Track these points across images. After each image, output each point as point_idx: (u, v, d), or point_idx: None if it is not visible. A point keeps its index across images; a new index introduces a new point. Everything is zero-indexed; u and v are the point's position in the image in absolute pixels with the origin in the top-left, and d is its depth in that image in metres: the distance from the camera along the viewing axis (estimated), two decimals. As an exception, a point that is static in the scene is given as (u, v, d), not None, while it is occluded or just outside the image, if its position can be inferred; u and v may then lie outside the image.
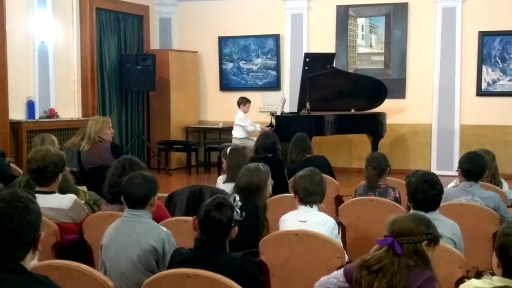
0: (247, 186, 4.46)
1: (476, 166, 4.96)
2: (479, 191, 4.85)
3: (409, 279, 2.73)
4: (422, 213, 3.76)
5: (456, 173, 5.29)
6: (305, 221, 4.05)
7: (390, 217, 2.89)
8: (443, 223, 3.77)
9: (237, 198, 3.36)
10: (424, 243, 2.82)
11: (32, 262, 3.20)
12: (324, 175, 4.44)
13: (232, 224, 3.24)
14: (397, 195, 5.15)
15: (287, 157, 7.14)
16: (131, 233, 3.61)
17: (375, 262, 2.75)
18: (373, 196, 5.11)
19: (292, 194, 5.43)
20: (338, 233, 4.38)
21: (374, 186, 5.23)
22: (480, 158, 5.07)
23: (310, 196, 4.15)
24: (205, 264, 3.03)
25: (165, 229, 3.72)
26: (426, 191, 3.77)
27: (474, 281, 2.59)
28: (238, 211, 3.26)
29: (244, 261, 3.20)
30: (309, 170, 4.30)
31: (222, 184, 5.70)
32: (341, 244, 3.98)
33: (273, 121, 10.21)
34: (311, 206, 4.15)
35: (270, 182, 4.66)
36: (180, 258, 3.23)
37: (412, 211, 2.99)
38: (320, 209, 4.23)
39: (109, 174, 4.56)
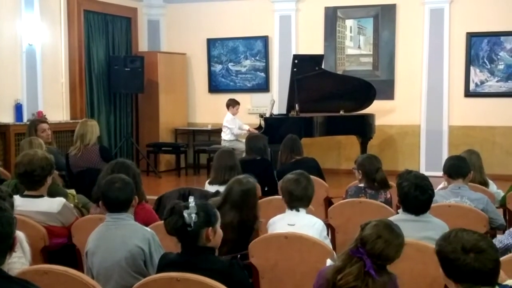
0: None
1: (460, 162, 5.02)
2: (468, 193, 4.87)
3: None
4: (413, 216, 3.78)
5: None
6: (293, 224, 4.03)
7: (367, 229, 2.78)
8: (434, 225, 3.78)
9: (192, 199, 3.26)
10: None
11: (22, 266, 3.22)
12: (313, 177, 4.42)
13: (190, 228, 3.09)
14: (388, 196, 5.16)
15: (276, 159, 7.16)
16: (115, 236, 3.59)
17: (345, 284, 2.68)
18: (364, 197, 5.11)
19: (280, 196, 5.44)
20: (328, 234, 4.37)
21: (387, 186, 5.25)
22: (461, 157, 5.20)
23: (296, 201, 4.13)
24: (192, 269, 3.00)
25: (149, 229, 3.72)
26: (417, 197, 3.74)
27: None
28: (193, 215, 3.08)
29: (232, 265, 3.17)
30: (296, 174, 4.24)
31: (208, 185, 5.71)
32: (331, 246, 3.97)
33: (262, 123, 10.20)
34: (297, 210, 4.13)
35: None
36: (167, 263, 3.21)
37: (388, 221, 2.89)
38: (309, 211, 4.21)
39: (100, 177, 4.54)
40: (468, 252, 2.40)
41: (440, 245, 2.51)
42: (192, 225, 3.08)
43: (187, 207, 3.11)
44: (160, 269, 3.22)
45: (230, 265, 3.16)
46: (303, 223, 4.03)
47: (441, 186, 5.25)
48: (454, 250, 2.43)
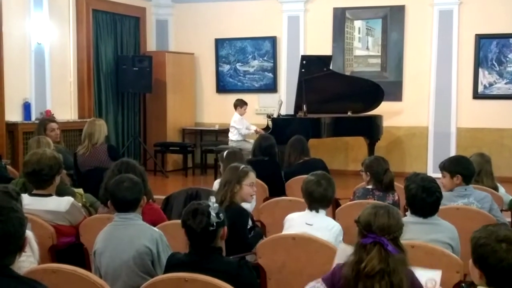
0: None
1: (472, 165, 5.00)
2: (475, 193, 4.86)
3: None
4: (421, 218, 3.77)
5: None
6: (312, 224, 4.03)
7: (362, 216, 2.84)
8: (441, 227, 3.77)
9: (213, 199, 3.30)
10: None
11: (30, 265, 3.24)
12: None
13: (212, 228, 3.16)
14: (396, 198, 5.14)
15: (283, 159, 7.15)
16: (124, 236, 3.61)
17: (371, 270, 2.71)
18: (371, 199, 5.10)
19: (288, 197, 5.44)
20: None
21: (393, 188, 5.22)
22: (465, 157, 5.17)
23: (313, 203, 4.13)
24: (200, 269, 3.01)
25: (157, 229, 3.72)
26: (424, 199, 3.74)
27: None
28: (214, 214, 3.20)
29: (241, 266, 3.18)
30: (317, 175, 4.25)
31: (217, 185, 5.70)
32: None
33: (270, 123, 10.20)
34: (317, 211, 4.13)
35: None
36: (175, 263, 3.21)
37: (375, 203, 2.96)
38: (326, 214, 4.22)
39: (105, 177, 4.55)
40: (501, 241, 2.44)
41: (475, 232, 2.57)
42: (214, 225, 3.15)
43: (211, 207, 3.17)
44: (168, 269, 3.23)
45: (239, 266, 3.17)
46: (321, 225, 4.03)
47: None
48: (488, 237, 2.47)
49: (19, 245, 2.29)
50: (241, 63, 12.18)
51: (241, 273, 3.14)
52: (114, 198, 3.72)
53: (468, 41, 10.67)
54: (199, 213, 3.16)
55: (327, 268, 3.65)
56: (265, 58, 11.99)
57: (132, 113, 11.85)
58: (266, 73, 12.03)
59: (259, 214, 5.37)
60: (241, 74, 12.21)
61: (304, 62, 10.05)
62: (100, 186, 4.64)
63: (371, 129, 10.40)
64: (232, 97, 11.15)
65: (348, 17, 11.35)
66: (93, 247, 3.72)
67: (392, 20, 11.10)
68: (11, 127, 9.17)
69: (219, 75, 12.35)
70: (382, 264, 2.70)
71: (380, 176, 5.20)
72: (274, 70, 11.95)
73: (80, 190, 5.35)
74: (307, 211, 4.18)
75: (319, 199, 4.13)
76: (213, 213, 3.16)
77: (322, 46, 11.34)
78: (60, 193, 4.67)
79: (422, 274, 3.00)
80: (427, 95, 10.96)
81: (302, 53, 11.18)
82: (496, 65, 10.58)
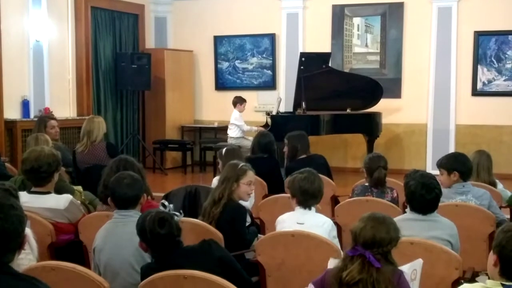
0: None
1: (469, 162, 5.00)
2: (473, 190, 4.86)
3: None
4: (420, 215, 3.77)
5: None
6: (303, 223, 4.02)
7: (353, 226, 2.83)
8: (441, 224, 3.77)
9: (167, 203, 3.32)
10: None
11: (29, 262, 3.23)
12: (321, 175, 4.41)
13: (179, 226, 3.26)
14: (395, 195, 5.14)
15: (282, 157, 7.14)
16: (123, 233, 3.60)
17: (351, 279, 2.71)
18: (370, 196, 5.09)
19: (287, 195, 5.43)
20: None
21: (383, 185, 5.22)
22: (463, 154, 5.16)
23: (309, 200, 4.12)
24: (179, 268, 3.02)
25: None
26: (423, 195, 3.73)
27: (466, 286, 2.57)
28: (177, 213, 3.25)
29: (209, 244, 3.26)
30: (307, 172, 4.23)
31: (216, 182, 5.69)
32: (339, 245, 3.96)
33: (269, 120, 10.19)
34: (310, 209, 4.13)
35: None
36: (152, 273, 3.13)
37: (370, 213, 2.91)
38: (316, 210, 4.21)
39: (104, 174, 4.54)
40: None
41: (504, 224, 2.59)
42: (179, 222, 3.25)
43: (170, 210, 3.25)
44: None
45: (207, 244, 3.25)
46: (313, 223, 4.02)
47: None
48: None
49: (19, 243, 2.28)
50: (240, 60, 12.18)
51: (212, 249, 3.24)
52: (115, 195, 3.72)
53: (467, 38, 10.67)
54: (166, 220, 3.17)
55: (327, 264, 3.65)
56: (264, 55, 11.99)
57: (131, 111, 11.85)
58: (265, 70, 12.03)
59: (258, 212, 5.36)
60: (240, 72, 12.21)
61: (303, 59, 10.04)
62: (99, 183, 4.63)
63: (370, 126, 10.41)
64: (231, 95, 11.15)
65: (347, 14, 11.35)
66: (92, 244, 3.72)
67: (391, 17, 11.09)
68: (10, 125, 9.17)
69: (218, 73, 12.35)
70: (364, 274, 2.71)
71: (372, 173, 5.21)
72: (273, 67, 11.95)
73: (79, 188, 5.35)
74: (297, 210, 4.16)
75: (315, 194, 4.13)
76: (175, 213, 3.23)
77: (321, 43, 11.33)
78: (59, 190, 4.66)
79: (407, 269, 3.01)
80: (426, 92, 10.96)
81: (301, 50, 11.17)
82: (495, 62, 10.58)
